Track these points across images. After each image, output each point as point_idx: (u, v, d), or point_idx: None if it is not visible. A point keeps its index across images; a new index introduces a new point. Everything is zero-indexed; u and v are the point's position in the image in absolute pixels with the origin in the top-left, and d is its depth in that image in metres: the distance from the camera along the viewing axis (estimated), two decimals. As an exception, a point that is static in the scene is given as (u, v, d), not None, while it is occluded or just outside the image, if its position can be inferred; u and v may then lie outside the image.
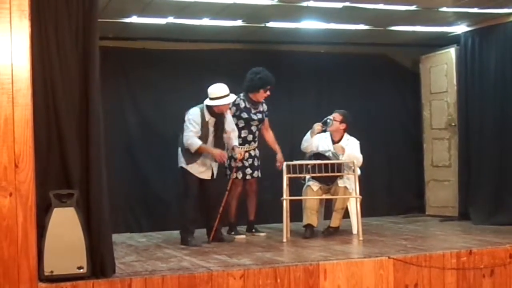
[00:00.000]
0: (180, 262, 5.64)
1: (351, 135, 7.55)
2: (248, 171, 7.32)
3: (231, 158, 7.16)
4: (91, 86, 4.98)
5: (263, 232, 7.50)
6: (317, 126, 7.35)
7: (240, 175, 7.26)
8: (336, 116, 7.46)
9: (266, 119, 7.51)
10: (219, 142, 6.94)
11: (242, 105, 7.30)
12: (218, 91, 6.81)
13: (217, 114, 6.86)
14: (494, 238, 6.55)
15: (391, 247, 6.21)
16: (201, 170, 6.84)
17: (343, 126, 7.48)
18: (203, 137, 6.80)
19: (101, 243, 4.94)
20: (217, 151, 6.79)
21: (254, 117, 7.34)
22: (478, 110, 8.23)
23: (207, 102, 6.83)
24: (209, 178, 6.88)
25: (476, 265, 5.76)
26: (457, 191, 8.58)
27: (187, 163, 6.80)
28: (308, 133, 7.40)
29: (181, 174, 6.90)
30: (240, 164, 7.23)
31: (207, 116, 6.83)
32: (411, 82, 9.46)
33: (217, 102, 6.79)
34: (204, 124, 6.81)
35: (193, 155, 6.78)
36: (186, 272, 5.12)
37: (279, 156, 7.49)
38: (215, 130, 6.87)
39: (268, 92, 7.33)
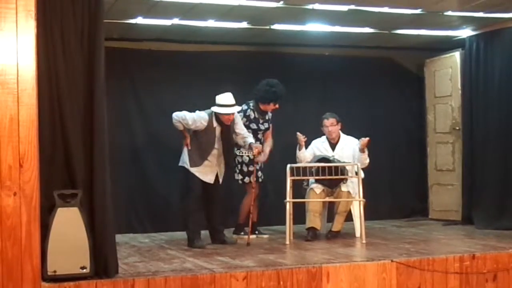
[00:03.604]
0: (183, 263, 5.64)
1: (350, 135, 7.54)
2: (259, 173, 7.36)
3: (242, 163, 7.22)
4: (96, 86, 5.00)
5: (266, 234, 7.50)
6: (300, 137, 7.30)
7: (254, 179, 7.25)
8: (333, 121, 7.43)
9: (271, 126, 7.53)
10: (228, 149, 6.95)
11: (252, 116, 7.35)
12: (225, 99, 6.85)
13: (224, 124, 6.86)
14: (498, 243, 6.55)
15: (394, 250, 6.20)
16: (204, 173, 6.84)
17: (339, 125, 7.49)
18: (207, 141, 6.82)
19: (105, 243, 4.95)
20: (184, 140, 6.87)
21: (262, 127, 7.43)
22: (482, 114, 8.22)
23: (214, 108, 6.85)
24: (212, 182, 6.87)
25: (479, 269, 5.76)
26: (461, 195, 8.56)
27: (191, 166, 6.81)
28: (297, 148, 7.40)
29: (184, 174, 6.90)
30: (258, 166, 7.27)
31: (214, 123, 6.85)
32: (415, 86, 9.45)
33: (222, 110, 6.81)
34: (209, 129, 6.82)
35: (200, 159, 6.81)
36: (189, 273, 5.13)
37: (266, 150, 7.37)
38: (222, 139, 6.88)
39: (277, 105, 7.36)
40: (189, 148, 6.84)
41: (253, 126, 7.34)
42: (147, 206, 8.17)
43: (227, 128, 6.90)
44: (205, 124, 6.80)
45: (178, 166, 6.97)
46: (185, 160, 6.87)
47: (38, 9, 4.74)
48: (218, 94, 6.91)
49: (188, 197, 6.85)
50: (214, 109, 6.84)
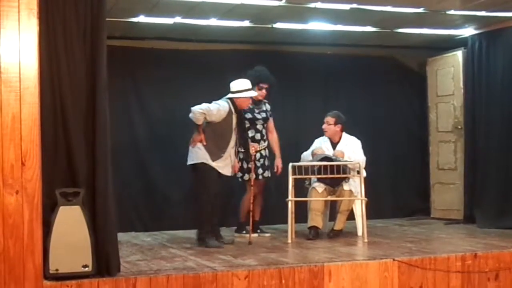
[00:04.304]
0: (185, 262, 5.65)
1: (352, 134, 7.54)
2: (260, 171, 7.35)
3: (242, 160, 7.17)
4: (98, 85, 4.99)
5: (268, 233, 7.50)
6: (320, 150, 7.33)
7: (253, 176, 7.23)
8: (329, 120, 7.40)
9: (271, 119, 7.51)
10: (244, 137, 6.94)
11: None
12: (240, 85, 6.85)
13: (239, 110, 6.86)
14: (500, 242, 6.55)
15: (396, 249, 6.20)
16: (224, 165, 6.77)
17: (338, 127, 7.45)
18: (225, 131, 6.76)
19: (107, 241, 4.96)
20: (197, 136, 6.72)
21: (258, 116, 7.36)
22: (484, 113, 8.21)
23: (234, 95, 6.83)
24: (230, 174, 6.85)
25: (481, 268, 5.76)
26: (463, 194, 8.56)
27: (213, 160, 6.69)
28: (309, 151, 7.40)
29: (199, 172, 6.72)
30: (259, 163, 7.28)
31: (233, 110, 6.82)
32: (417, 85, 9.45)
33: (244, 94, 6.82)
34: (228, 118, 6.77)
35: (219, 151, 6.73)
36: (191, 272, 5.13)
37: (278, 160, 7.49)
38: (237, 127, 6.86)
39: (263, 91, 7.34)
40: (205, 143, 6.71)
41: (248, 115, 7.26)
42: (149, 205, 8.17)
43: (241, 116, 6.90)
44: (226, 112, 6.75)
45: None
46: (202, 156, 6.68)
47: (40, 7, 4.74)
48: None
49: (204, 196, 6.66)
50: (236, 95, 6.80)
